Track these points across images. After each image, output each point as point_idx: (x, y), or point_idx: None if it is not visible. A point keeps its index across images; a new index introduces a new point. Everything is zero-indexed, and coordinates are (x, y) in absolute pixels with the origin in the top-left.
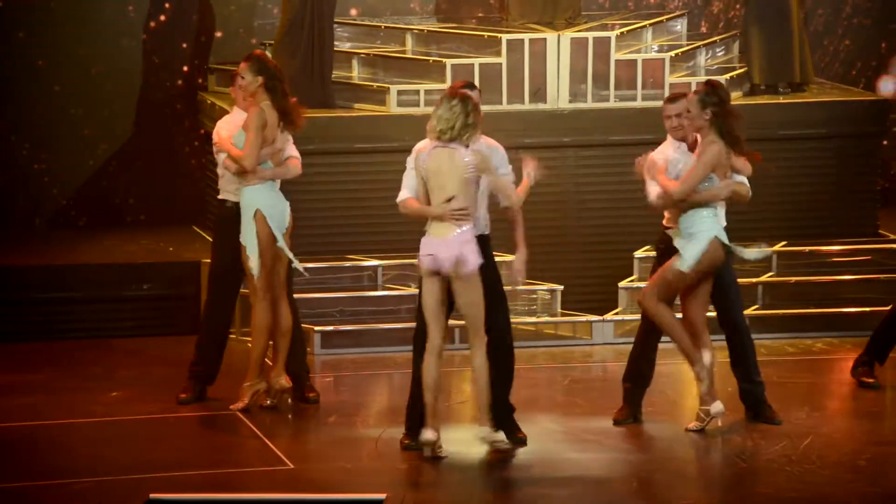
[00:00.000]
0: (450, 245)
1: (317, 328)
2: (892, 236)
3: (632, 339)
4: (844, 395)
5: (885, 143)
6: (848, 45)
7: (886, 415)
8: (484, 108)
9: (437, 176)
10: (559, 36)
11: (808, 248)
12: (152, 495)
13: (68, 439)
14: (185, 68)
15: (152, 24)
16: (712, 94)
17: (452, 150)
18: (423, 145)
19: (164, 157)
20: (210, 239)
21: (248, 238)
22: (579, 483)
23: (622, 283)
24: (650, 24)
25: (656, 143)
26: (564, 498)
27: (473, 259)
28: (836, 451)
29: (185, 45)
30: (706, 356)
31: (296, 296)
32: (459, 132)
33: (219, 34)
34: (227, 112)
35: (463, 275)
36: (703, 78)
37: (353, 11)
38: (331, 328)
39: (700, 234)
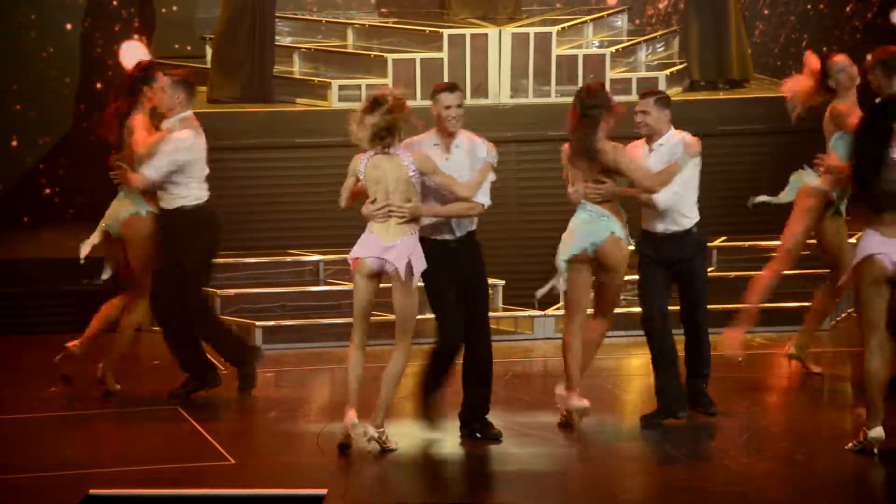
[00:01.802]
0: (399, 249)
1: (258, 323)
2: None
3: None
4: (783, 390)
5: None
6: (794, 40)
7: (824, 409)
8: (426, 103)
9: (378, 183)
10: (500, 31)
11: (747, 244)
12: (91, 491)
13: (7, 435)
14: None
15: (92, 16)
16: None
17: (392, 156)
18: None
19: (104, 151)
20: None
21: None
22: (520, 478)
23: None
24: (591, 20)
25: None
26: (505, 493)
27: (420, 265)
28: (774, 445)
29: (124, 38)
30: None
31: (238, 291)
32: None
33: (160, 27)
34: None
35: (404, 280)
36: (643, 74)
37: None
38: (272, 323)
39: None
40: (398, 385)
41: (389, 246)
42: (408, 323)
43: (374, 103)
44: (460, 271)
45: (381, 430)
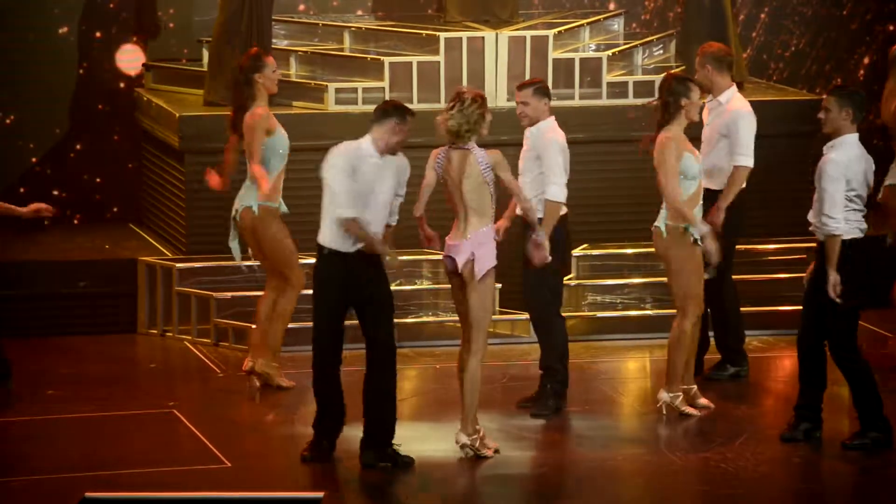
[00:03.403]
0: (464, 246)
1: (255, 326)
2: None
3: (571, 337)
4: (780, 393)
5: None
6: (789, 43)
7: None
8: (422, 106)
9: (447, 175)
10: (497, 34)
11: (743, 247)
12: (87, 494)
13: (3, 437)
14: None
15: (87, 18)
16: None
17: (467, 151)
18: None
19: (101, 153)
20: (146, 237)
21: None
22: (517, 481)
23: None
24: (588, 23)
25: (592, 142)
26: (502, 496)
27: (483, 262)
28: (771, 448)
29: (121, 41)
30: None
31: (234, 294)
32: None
33: (156, 30)
34: (164, 108)
35: (471, 277)
36: (639, 77)
37: (301, 7)
38: None
39: None
40: (479, 388)
41: (455, 244)
42: (479, 323)
43: (454, 100)
44: (355, 284)
45: (474, 437)
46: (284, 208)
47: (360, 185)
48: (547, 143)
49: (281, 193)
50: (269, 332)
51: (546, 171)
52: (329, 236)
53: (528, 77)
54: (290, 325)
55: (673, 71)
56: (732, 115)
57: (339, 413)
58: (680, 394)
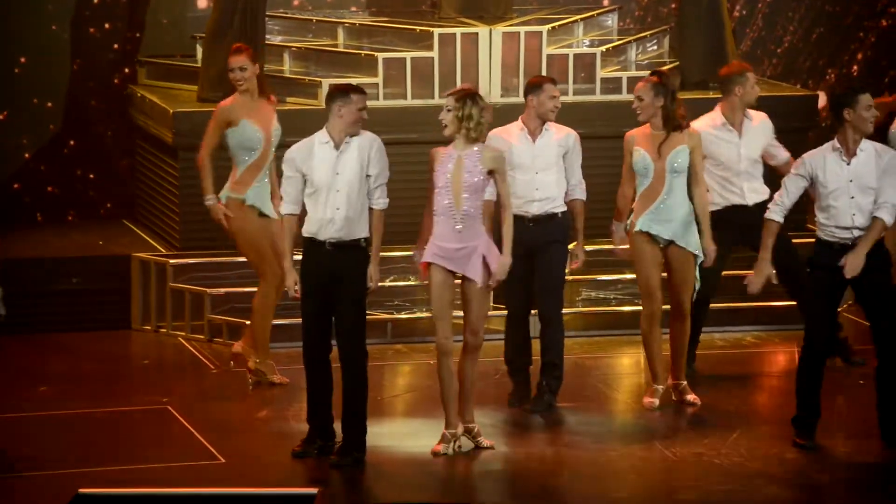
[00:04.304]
0: None
1: (248, 322)
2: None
3: (564, 333)
4: (773, 389)
5: (810, 134)
6: (783, 40)
7: None
8: (416, 102)
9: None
10: (491, 30)
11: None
12: (81, 490)
13: None
14: (115, 60)
15: (80, 14)
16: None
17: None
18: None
19: (94, 150)
20: (140, 233)
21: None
22: (509, 477)
23: None
24: (581, 19)
25: (586, 138)
26: (495, 491)
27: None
28: (765, 444)
29: (114, 37)
30: None
31: (227, 290)
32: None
33: (150, 26)
34: (158, 105)
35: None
36: (633, 73)
37: (295, 3)
38: None
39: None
40: (453, 385)
41: None
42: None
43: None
44: (326, 275)
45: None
46: (252, 202)
47: (320, 174)
48: (576, 143)
49: (250, 187)
50: (254, 328)
51: (577, 172)
52: (307, 225)
53: (522, 73)
54: (286, 322)
55: (663, 68)
56: (766, 119)
57: (327, 405)
58: (662, 386)
